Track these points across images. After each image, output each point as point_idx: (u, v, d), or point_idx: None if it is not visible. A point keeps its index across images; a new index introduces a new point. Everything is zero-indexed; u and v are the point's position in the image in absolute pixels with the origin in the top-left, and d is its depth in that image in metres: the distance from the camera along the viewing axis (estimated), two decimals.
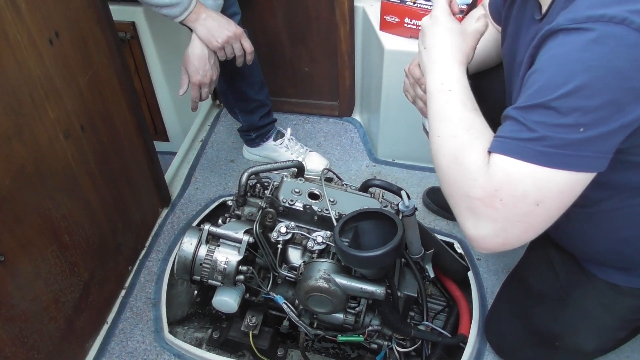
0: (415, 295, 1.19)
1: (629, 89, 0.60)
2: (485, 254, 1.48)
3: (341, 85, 1.84)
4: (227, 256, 1.12)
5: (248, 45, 1.34)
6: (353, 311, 1.17)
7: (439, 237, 1.42)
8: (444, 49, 0.81)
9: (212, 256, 1.12)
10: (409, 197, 1.09)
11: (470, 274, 1.40)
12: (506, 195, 0.64)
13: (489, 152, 0.69)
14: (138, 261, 1.47)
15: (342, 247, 0.98)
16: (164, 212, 1.61)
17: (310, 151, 1.76)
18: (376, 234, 1.04)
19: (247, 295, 1.23)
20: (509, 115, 0.68)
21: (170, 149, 2.05)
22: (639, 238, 0.86)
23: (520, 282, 1.17)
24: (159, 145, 2.04)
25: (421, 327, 1.25)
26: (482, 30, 0.86)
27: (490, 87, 1.09)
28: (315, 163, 1.72)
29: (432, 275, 1.25)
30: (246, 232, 1.14)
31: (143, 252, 1.49)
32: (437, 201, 1.60)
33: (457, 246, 1.50)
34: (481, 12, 1.00)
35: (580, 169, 0.64)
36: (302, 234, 1.17)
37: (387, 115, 1.66)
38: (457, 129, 0.73)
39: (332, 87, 1.86)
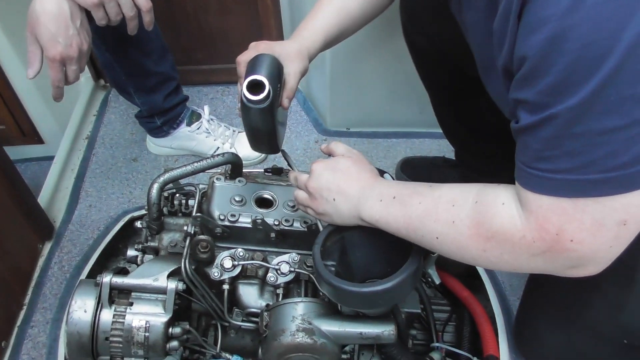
0: (419, 310, 0.98)
1: None
2: None
3: (266, 39, 1.55)
4: (148, 318, 0.84)
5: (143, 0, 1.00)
6: (345, 356, 0.95)
7: None
8: (351, 180, 0.77)
9: (123, 323, 0.83)
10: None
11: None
12: (576, 234, 0.58)
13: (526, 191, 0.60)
14: (15, 331, 1.15)
15: (333, 282, 0.73)
16: (46, 248, 1.30)
17: (239, 132, 1.52)
18: (371, 244, 0.82)
19: (186, 352, 0.96)
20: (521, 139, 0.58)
21: (48, 153, 1.79)
22: None
23: None
24: (32, 150, 1.84)
25: (435, 356, 1.01)
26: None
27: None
28: (248, 147, 1.41)
29: (437, 281, 1.06)
30: (171, 274, 0.86)
31: (21, 315, 1.17)
32: (415, 176, 1.39)
33: None
34: None
35: None
36: (257, 264, 0.90)
37: (336, 72, 1.43)
38: (449, 213, 0.66)
39: None
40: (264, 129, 0.80)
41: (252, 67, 0.77)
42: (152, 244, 0.94)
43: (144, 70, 1.33)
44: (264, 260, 0.89)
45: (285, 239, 0.91)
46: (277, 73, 0.78)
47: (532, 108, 0.54)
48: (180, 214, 0.99)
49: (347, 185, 0.76)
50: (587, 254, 0.59)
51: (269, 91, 0.75)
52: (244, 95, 0.75)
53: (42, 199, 1.37)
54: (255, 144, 0.87)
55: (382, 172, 0.96)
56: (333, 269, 0.77)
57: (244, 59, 0.83)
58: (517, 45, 0.54)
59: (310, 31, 0.94)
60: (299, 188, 0.83)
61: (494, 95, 0.73)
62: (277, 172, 1.02)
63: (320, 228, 0.85)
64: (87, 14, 0.97)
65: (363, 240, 0.80)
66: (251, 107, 0.76)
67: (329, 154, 0.83)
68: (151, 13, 1.03)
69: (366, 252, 0.80)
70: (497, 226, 0.61)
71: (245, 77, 0.77)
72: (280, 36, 1.59)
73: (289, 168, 1.04)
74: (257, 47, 0.85)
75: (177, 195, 1.00)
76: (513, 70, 0.57)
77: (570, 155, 0.53)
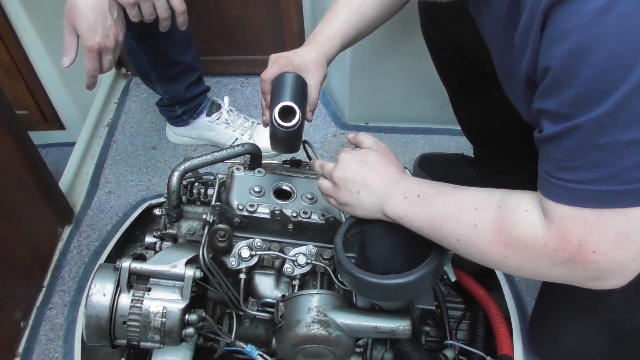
0: (434, 307, 0.97)
1: None
2: None
3: (287, 31, 1.60)
4: (165, 304, 0.84)
5: (178, 2, 1.02)
6: (359, 349, 0.94)
7: None
8: (378, 174, 0.77)
9: (140, 307, 0.83)
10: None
11: None
12: (599, 246, 0.57)
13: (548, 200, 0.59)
14: (34, 312, 1.16)
15: (355, 273, 0.73)
16: (66, 232, 1.31)
17: (258, 124, 1.51)
18: (391, 239, 0.81)
19: (201, 340, 0.96)
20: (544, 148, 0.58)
21: (69, 139, 1.81)
22: None
23: None
24: (53, 136, 1.87)
25: (448, 353, 1.00)
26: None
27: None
28: (267, 139, 1.41)
29: (453, 279, 1.03)
30: (189, 262, 0.86)
31: (40, 296, 1.18)
32: (432, 172, 1.38)
33: None
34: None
35: None
36: (274, 254, 0.90)
37: (356, 67, 1.42)
38: (471, 215, 0.65)
39: (275, 35, 1.62)
40: (290, 141, 0.86)
41: (280, 90, 0.80)
42: (170, 231, 0.94)
43: (168, 59, 1.33)
44: (281, 251, 0.89)
45: (302, 231, 0.91)
46: (302, 93, 0.83)
47: (556, 118, 0.54)
48: (199, 203, 0.98)
49: (373, 179, 0.75)
50: (609, 266, 0.58)
51: (299, 117, 0.79)
52: (276, 121, 0.79)
53: (63, 184, 1.38)
54: (278, 149, 0.91)
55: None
56: (353, 260, 0.77)
57: (268, 76, 0.84)
58: (540, 55, 0.54)
59: (326, 36, 0.94)
60: (324, 177, 0.82)
61: (513, 99, 0.72)
62: (296, 164, 1.02)
63: (343, 218, 0.85)
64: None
65: (383, 234, 0.79)
66: (282, 130, 0.80)
67: (357, 145, 0.82)
68: (185, 14, 1.05)
69: (385, 247, 0.79)
70: (519, 233, 0.61)
71: (275, 102, 0.80)
72: (300, 28, 1.58)
73: (310, 159, 1.04)
74: (278, 62, 0.85)
75: (196, 184, 1.00)
76: (536, 80, 0.56)
77: (593, 166, 0.53)
